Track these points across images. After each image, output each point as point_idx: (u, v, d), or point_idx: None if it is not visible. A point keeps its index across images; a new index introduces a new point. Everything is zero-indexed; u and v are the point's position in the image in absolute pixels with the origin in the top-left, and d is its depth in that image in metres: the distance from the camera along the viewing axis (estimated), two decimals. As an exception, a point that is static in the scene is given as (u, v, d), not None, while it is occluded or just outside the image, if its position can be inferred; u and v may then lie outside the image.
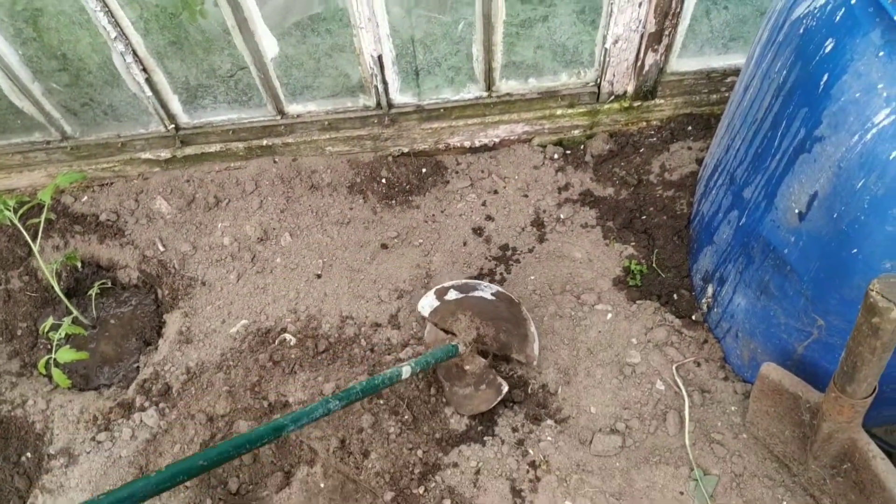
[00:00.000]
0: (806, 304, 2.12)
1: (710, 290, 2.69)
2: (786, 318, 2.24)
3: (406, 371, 2.42)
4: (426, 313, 2.82)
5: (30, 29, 2.56)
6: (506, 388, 2.63)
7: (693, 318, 2.80)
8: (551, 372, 2.73)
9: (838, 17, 1.79)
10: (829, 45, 1.81)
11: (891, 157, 1.68)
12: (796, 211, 2.02)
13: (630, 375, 2.69)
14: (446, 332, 2.79)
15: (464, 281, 2.82)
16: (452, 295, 2.80)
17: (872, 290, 1.59)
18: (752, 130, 2.26)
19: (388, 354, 2.82)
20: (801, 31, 1.93)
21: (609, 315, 2.84)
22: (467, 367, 2.72)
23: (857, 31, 1.73)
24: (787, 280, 2.17)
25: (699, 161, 3.11)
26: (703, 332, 2.75)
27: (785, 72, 2.02)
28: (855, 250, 1.86)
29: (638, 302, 2.85)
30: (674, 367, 2.67)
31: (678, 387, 2.63)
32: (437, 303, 2.82)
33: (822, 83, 1.82)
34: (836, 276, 1.97)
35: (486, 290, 2.78)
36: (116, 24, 2.55)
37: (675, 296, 2.86)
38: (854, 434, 2.07)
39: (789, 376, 2.26)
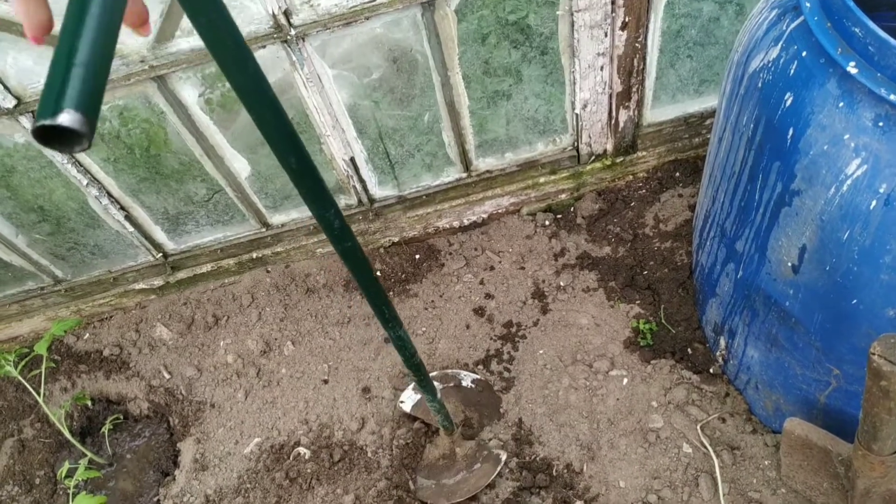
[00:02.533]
0: (818, 354, 2.04)
1: (722, 342, 2.60)
2: (801, 368, 2.15)
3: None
4: (407, 409, 2.76)
5: (3, 189, 2.59)
6: (504, 456, 2.57)
7: (711, 371, 2.71)
8: (574, 449, 2.64)
9: (792, 71, 1.74)
10: (788, 99, 1.75)
11: (871, 207, 1.61)
12: (789, 264, 1.94)
13: (655, 442, 2.60)
14: (428, 426, 2.75)
15: (443, 372, 2.79)
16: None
17: (874, 354, 1.51)
18: (732, 183, 2.20)
19: (409, 454, 2.75)
20: (760, 84, 1.88)
21: (625, 380, 2.75)
22: (458, 450, 2.66)
23: (813, 83, 1.67)
24: (794, 332, 2.08)
25: (691, 207, 3.04)
26: (724, 385, 2.66)
27: (752, 125, 1.96)
28: (855, 301, 1.79)
29: (652, 362, 2.77)
30: (698, 427, 2.58)
31: (706, 447, 2.53)
32: (417, 396, 2.77)
33: (788, 137, 1.77)
34: (842, 327, 1.89)
35: (466, 378, 2.77)
36: (86, 172, 2.57)
37: (689, 350, 2.77)
38: (893, 485, 1.97)
39: (815, 430, 2.16)
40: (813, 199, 1.74)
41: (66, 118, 0.60)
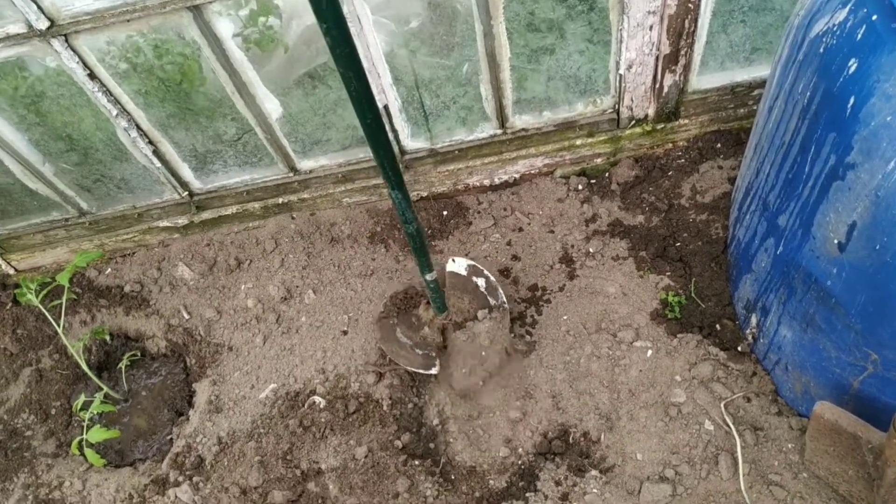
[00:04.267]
0: (856, 338, 1.96)
1: (753, 319, 2.53)
2: (836, 352, 2.08)
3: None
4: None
5: (32, 114, 2.55)
6: (435, 371, 2.70)
7: (739, 349, 2.64)
8: (592, 418, 2.60)
9: (860, 35, 1.64)
10: (852, 66, 1.66)
11: (933, 184, 1.52)
12: (835, 241, 1.86)
13: (676, 416, 2.54)
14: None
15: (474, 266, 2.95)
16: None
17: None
18: (780, 154, 2.11)
19: (422, 413, 2.73)
20: (822, 50, 1.78)
21: (649, 352, 2.69)
22: (425, 330, 2.80)
23: (882, 49, 1.58)
24: (833, 313, 2.00)
25: (731, 180, 2.95)
26: (751, 364, 2.59)
27: (808, 93, 1.87)
28: (903, 283, 1.71)
29: (679, 335, 2.70)
30: (722, 405, 2.52)
31: (728, 426, 2.47)
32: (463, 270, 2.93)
33: (849, 106, 1.67)
34: (885, 310, 1.81)
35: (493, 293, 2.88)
36: (116, 102, 2.52)
37: (717, 326, 2.70)
38: (924, 477, 1.90)
39: (846, 415, 2.09)
40: (869, 174, 1.66)
41: None
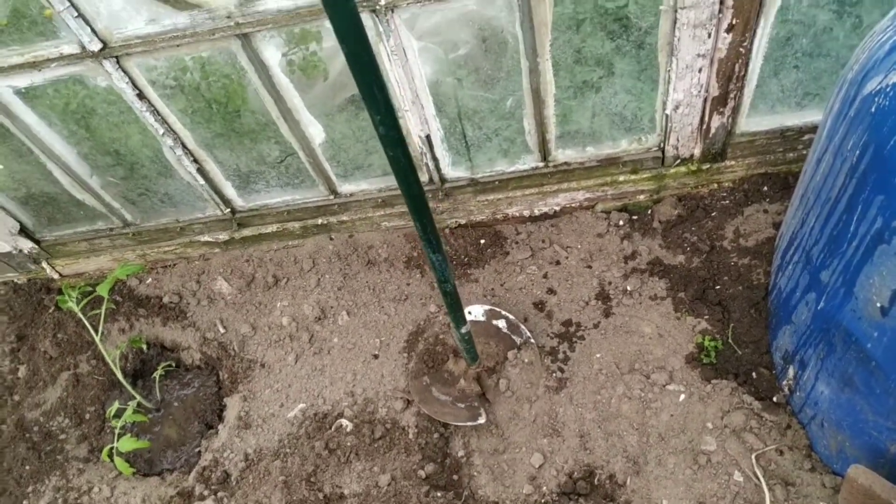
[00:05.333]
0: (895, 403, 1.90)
1: (791, 371, 2.47)
2: (874, 415, 2.01)
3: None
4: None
5: (82, 129, 2.61)
6: (482, 420, 2.66)
7: (774, 399, 2.57)
8: (619, 460, 2.56)
9: (913, 100, 1.59)
10: (904, 130, 1.61)
11: (983, 260, 1.47)
12: (878, 305, 1.81)
13: (705, 465, 2.49)
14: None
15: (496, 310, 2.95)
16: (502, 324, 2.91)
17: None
18: (826, 209, 2.05)
19: (448, 444, 2.71)
20: (873, 109, 1.73)
21: (682, 396, 2.64)
22: (461, 383, 2.77)
23: (936, 116, 1.53)
24: (872, 376, 1.94)
25: (776, 225, 2.88)
26: (786, 417, 2.52)
27: (858, 151, 1.82)
28: (948, 356, 1.65)
29: (713, 381, 2.65)
30: (753, 457, 2.46)
31: (758, 478, 2.41)
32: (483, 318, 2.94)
33: (898, 171, 1.62)
34: (928, 380, 1.76)
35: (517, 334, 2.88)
36: (163, 121, 2.57)
37: (753, 374, 2.64)
38: (960, 553, 1.83)
39: (881, 481, 2.02)
40: (917, 242, 1.60)
41: None
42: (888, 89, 1.69)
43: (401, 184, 1.62)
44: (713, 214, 3.01)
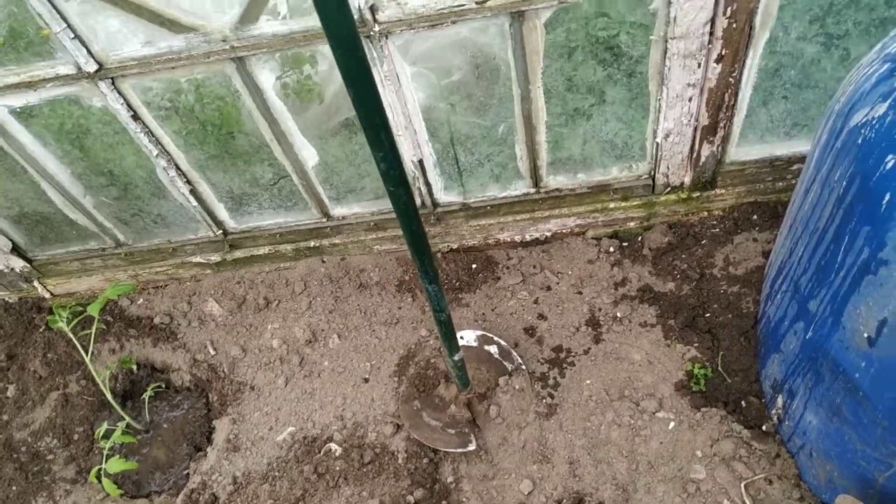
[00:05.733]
0: (883, 433, 1.90)
1: (779, 400, 2.47)
2: (862, 445, 2.01)
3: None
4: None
5: (76, 150, 2.62)
6: (472, 447, 2.66)
7: (763, 428, 2.57)
8: (608, 488, 2.55)
9: (898, 132, 1.61)
10: (889, 162, 1.63)
11: (967, 291, 1.48)
12: (865, 335, 1.81)
13: (694, 493, 2.48)
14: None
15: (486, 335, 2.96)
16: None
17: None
18: (814, 239, 2.07)
19: (437, 469, 2.70)
20: (860, 141, 1.75)
21: (671, 424, 2.64)
22: (452, 408, 2.75)
23: (920, 149, 1.55)
24: (860, 406, 1.95)
25: (765, 254, 2.90)
26: (775, 446, 2.52)
27: (845, 182, 1.84)
28: (934, 387, 1.65)
29: (703, 409, 2.65)
30: (742, 485, 2.45)
31: (748, 508, 2.40)
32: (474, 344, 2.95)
33: (884, 202, 1.64)
34: (914, 410, 1.76)
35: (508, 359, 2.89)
36: (157, 143, 2.58)
37: (742, 403, 2.64)
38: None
39: (869, 512, 2.02)
40: (902, 273, 1.62)
41: None
42: (874, 122, 1.71)
43: (401, 219, 1.65)
44: (703, 242, 3.03)
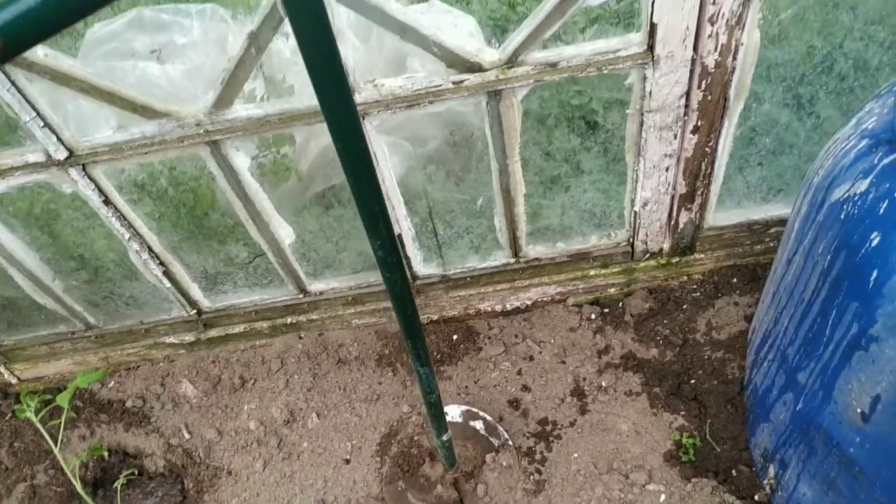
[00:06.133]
0: (882, 509, 1.87)
1: (771, 470, 2.43)
2: (860, 520, 1.98)
3: None
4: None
5: (45, 235, 2.56)
6: None
7: (756, 498, 2.53)
8: (602, 567, 2.48)
9: (882, 209, 1.61)
10: (875, 239, 1.63)
11: (962, 370, 1.46)
12: (859, 410, 1.79)
13: (690, 569, 2.42)
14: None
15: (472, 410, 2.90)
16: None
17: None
18: (799, 310, 2.06)
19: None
20: (842, 216, 1.76)
21: (662, 497, 2.59)
22: (438, 489, 2.67)
23: (906, 227, 1.55)
24: (856, 481, 1.91)
25: (747, 318, 2.89)
26: (769, 516, 2.48)
27: (829, 256, 1.83)
28: (933, 464, 1.63)
29: (693, 480, 2.60)
30: (738, 560, 2.40)
31: (745, 584, 2.34)
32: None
33: (871, 279, 1.63)
34: (913, 487, 1.73)
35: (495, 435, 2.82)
36: (130, 226, 2.52)
37: (733, 472, 2.60)
38: None
39: (870, 589, 1.97)
40: (894, 350, 1.60)
41: None
42: (856, 198, 1.71)
43: (395, 304, 1.65)
44: (684, 307, 3.01)
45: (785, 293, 2.18)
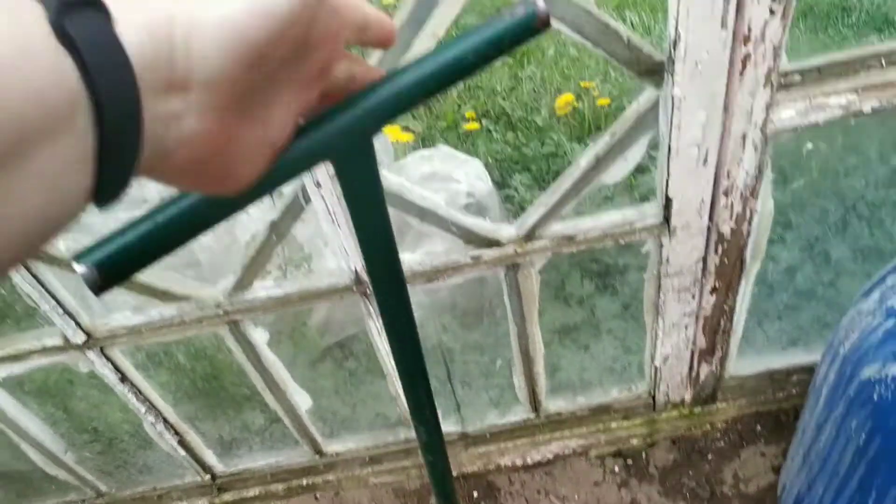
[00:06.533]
0: None
1: None
2: None
3: None
4: None
5: (60, 411, 2.52)
6: None
7: None
8: None
9: (918, 398, 1.59)
10: (912, 428, 1.59)
11: None
12: None
13: None
14: None
15: None
16: None
17: None
18: (835, 483, 2.00)
19: None
20: (875, 397, 1.73)
21: None
22: None
23: (945, 421, 1.52)
24: None
25: (775, 469, 2.81)
26: None
27: (864, 435, 1.79)
28: None
29: None
30: None
31: None
32: None
33: (913, 469, 1.59)
34: None
35: None
36: (146, 400, 2.49)
37: None
38: None
39: None
40: (944, 545, 1.54)
41: (81, 269, 0.63)
42: (889, 381, 1.69)
43: (435, 486, 1.59)
44: (709, 457, 2.94)
45: (817, 460, 2.13)
